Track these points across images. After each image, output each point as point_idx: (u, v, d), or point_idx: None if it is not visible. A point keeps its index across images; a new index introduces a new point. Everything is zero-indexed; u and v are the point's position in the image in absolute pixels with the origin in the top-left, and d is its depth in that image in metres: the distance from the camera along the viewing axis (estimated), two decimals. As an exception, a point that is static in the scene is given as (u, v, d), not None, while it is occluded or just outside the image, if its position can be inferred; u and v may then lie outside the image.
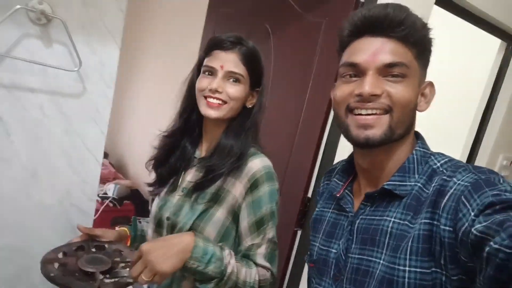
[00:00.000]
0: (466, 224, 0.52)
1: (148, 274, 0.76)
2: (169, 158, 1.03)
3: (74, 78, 1.02)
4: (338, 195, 0.77)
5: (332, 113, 1.57)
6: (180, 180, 1.01)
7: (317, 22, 1.65)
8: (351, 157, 0.79)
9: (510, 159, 2.20)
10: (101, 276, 0.82)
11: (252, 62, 0.96)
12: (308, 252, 0.83)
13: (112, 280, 0.83)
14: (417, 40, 0.64)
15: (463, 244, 0.52)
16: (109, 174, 3.37)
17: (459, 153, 2.12)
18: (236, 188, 0.93)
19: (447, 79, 2.16)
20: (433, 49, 0.68)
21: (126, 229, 1.06)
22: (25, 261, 1.07)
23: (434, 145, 0.73)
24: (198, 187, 0.95)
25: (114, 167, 3.66)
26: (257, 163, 0.93)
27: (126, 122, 3.83)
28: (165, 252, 0.78)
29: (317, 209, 0.85)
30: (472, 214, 0.52)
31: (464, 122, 2.17)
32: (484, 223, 0.49)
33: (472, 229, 0.50)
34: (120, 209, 2.99)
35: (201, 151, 1.03)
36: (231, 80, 0.94)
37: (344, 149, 1.56)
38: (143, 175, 3.80)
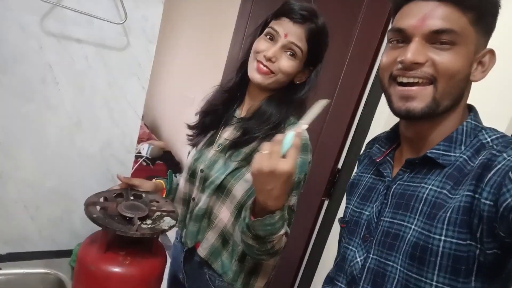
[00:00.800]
0: (510, 199, 0.51)
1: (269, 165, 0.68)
2: (215, 109, 1.06)
3: (118, 32, 1.04)
4: (378, 160, 0.76)
5: (369, 85, 1.54)
6: (218, 136, 1.04)
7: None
8: (396, 125, 0.77)
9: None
10: (138, 222, 0.87)
11: (315, 41, 0.94)
12: (343, 214, 0.84)
13: (149, 226, 0.87)
14: (474, 4, 0.60)
15: (504, 219, 0.52)
16: (143, 134, 3.48)
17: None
18: None
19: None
20: (501, 12, 0.63)
21: (162, 182, 1.11)
22: (68, 204, 1.15)
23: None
24: (233, 146, 0.97)
25: (148, 128, 3.77)
26: None
27: (161, 85, 3.90)
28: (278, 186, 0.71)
29: (354, 173, 0.85)
30: None
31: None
32: None
33: None
34: (153, 169, 3.11)
35: (241, 111, 1.05)
36: (289, 53, 0.93)
37: (378, 122, 1.52)
38: (176, 137, 3.89)
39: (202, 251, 1.02)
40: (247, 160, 0.95)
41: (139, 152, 3.13)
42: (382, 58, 0.67)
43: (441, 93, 0.61)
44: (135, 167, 2.97)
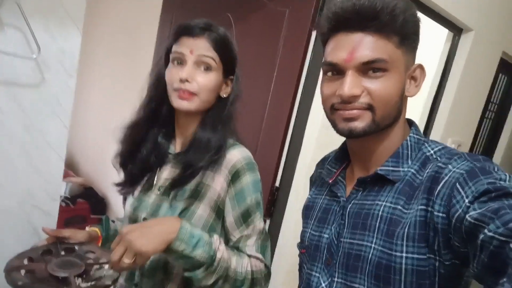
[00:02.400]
0: (460, 210, 0.53)
1: (129, 255, 0.71)
2: (138, 153, 0.95)
3: (31, 67, 0.93)
4: (330, 181, 0.77)
5: (297, 103, 1.60)
6: (155, 178, 0.95)
7: (280, 11, 1.64)
8: (344, 144, 0.79)
9: (457, 143, 2.37)
10: (75, 280, 0.76)
11: (223, 48, 0.89)
12: (300, 239, 0.83)
13: (89, 283, 0.77)
14: (397, 28, 0.62)
15: (457, 230, 0.54)
16: (59, 172, 3.17)
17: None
18: (216, 182, 0.89)
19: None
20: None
21: (97, 229, 0.99)
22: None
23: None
24: (176, 184, 0.89)
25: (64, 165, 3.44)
26: (236, 154, 0.90)
27: (77, 116, 3.60)
28: (146, 232, 0.74)
29: (309, 196, 0.85)
30: (467, 201, 0.53)
31: (415, 108, 2.30)
32: (479, 210, 0.50)
33: (467, 216, 0.51)
34: (74, 209, 2.83)
35: (176, 147, 0.97)
36: (202, 67, 0.87)
37: (310, 138, 1.58)
38: (96, 172, 3.60)
39: None
40: (194, 196, 0.89)
41: (57, 193, 2.83)
42: (322, 89, 0.69)
43: (379, 116, 0.64)
44: (53, 210, 2.67)
